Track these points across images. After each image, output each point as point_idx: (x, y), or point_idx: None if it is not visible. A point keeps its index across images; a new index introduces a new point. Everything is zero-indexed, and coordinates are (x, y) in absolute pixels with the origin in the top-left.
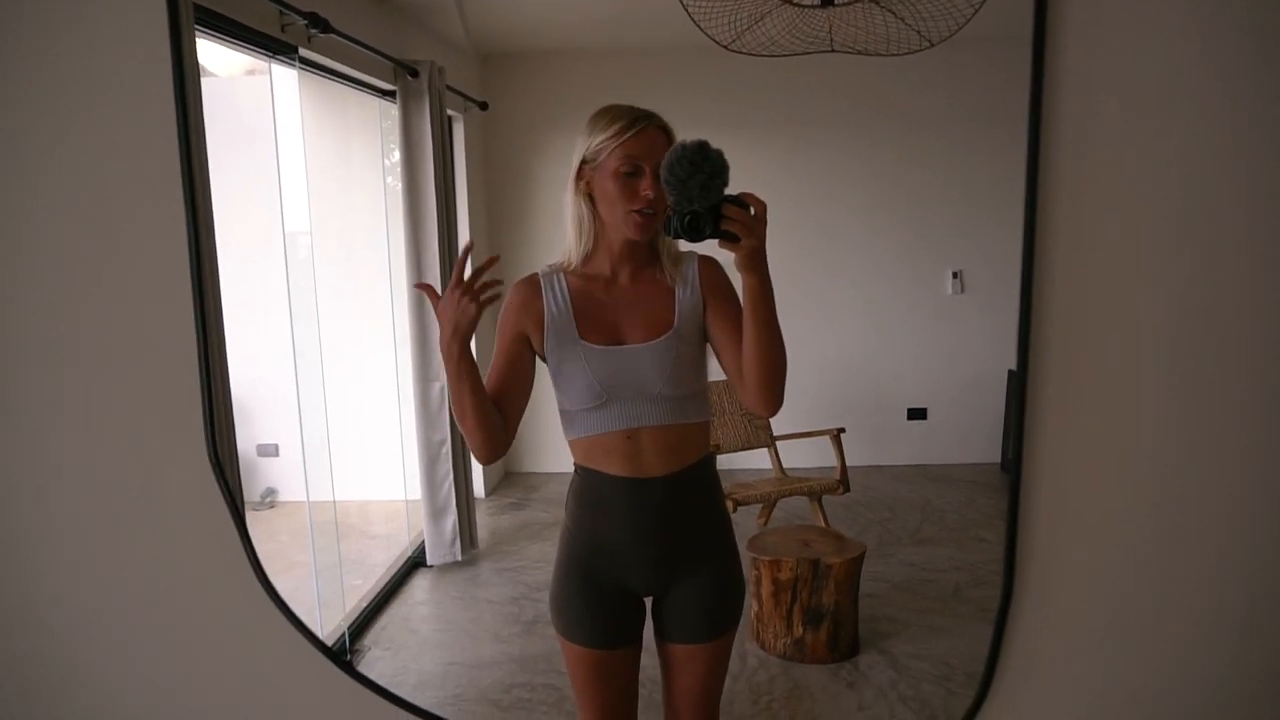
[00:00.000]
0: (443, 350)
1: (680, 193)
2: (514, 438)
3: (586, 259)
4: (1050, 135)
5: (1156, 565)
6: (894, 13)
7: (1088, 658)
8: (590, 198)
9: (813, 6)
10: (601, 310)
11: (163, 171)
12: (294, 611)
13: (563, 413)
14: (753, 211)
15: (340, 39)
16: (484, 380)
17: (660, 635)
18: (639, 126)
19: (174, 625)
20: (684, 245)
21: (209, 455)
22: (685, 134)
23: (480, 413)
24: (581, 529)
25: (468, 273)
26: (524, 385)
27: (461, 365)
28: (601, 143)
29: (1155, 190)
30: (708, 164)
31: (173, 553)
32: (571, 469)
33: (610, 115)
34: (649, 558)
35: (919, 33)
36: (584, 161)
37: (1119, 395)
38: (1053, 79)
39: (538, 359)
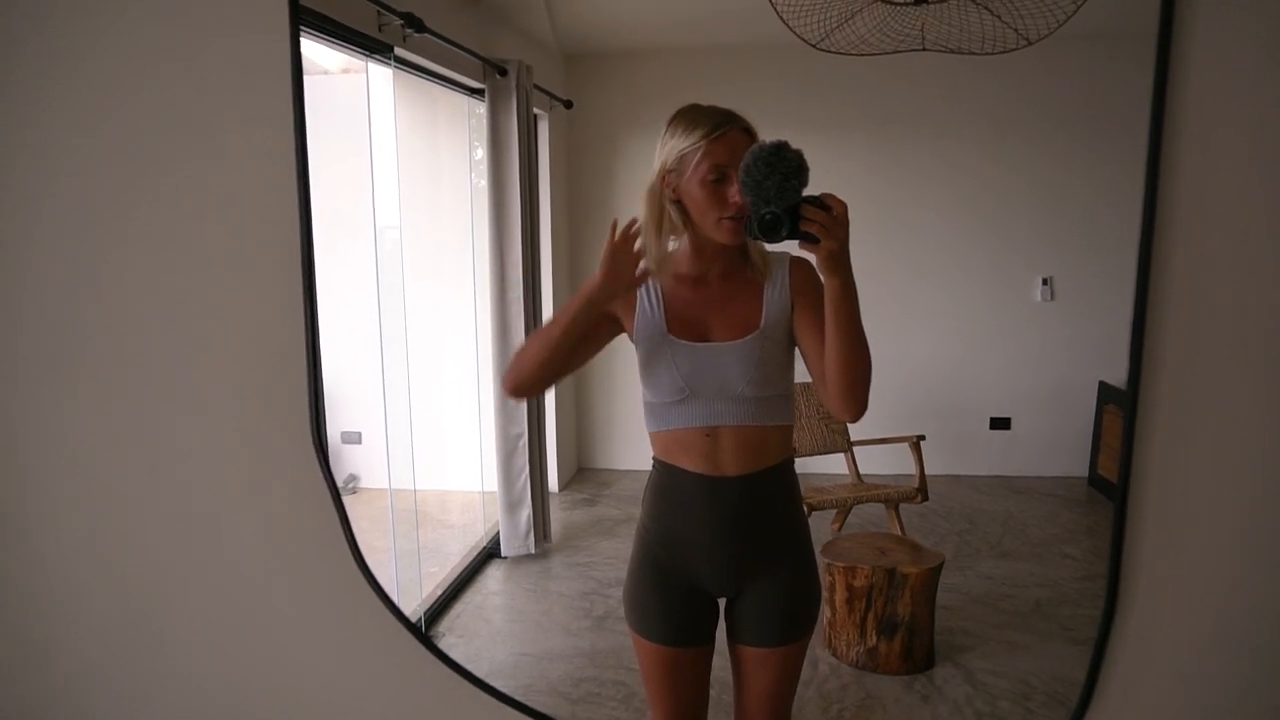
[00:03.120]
0: (586, 292)
1: (757, 194)
2: (541, 389)
3: (677, 259)
4: (1172, 139)
5: (1269, 589)
6: (990, 10)
7: (1191, 682)
8: (678, 203)
9: (905, 4)
10: (690, 307)
11: (279, 167)
12: (387, 593)
13: (646, 404)
14: (833, 212)
15: (434, 38)
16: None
17: (732, 637)
18: (721, 131)
19: (271, 601)
20: (768, 246)
21: (313, 440)
22: (769, 134)
23: (553, 349)
24: (657, 524)
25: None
26: (585, 354)
27: (579, 313)
28: (684, 150)
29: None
30: (783, 164)
31: (275, 533)
32: (644, 467)
33: (691, 120)
34: (722, 557)
35: (1016, 31)
36: (666, 169)
37: (1231, 415)
38: (1177, 79)
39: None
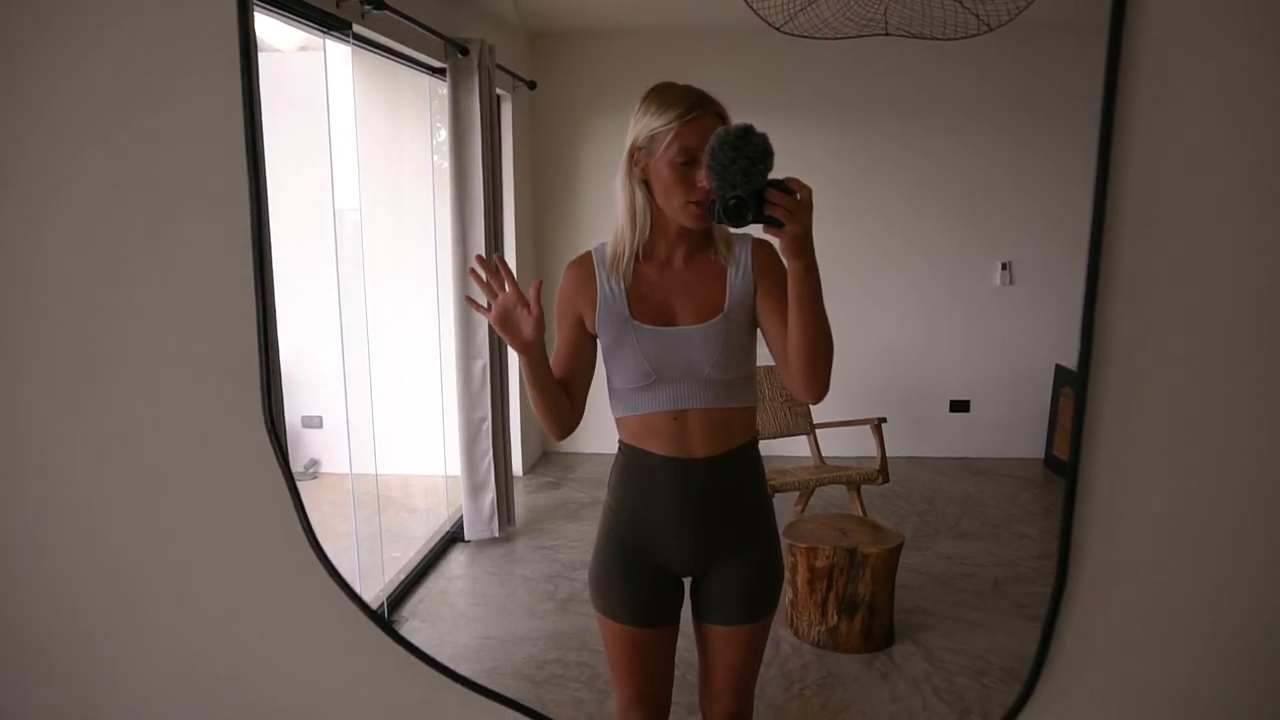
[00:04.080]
0: (517, 350)
1: (723, 178)
2: (582, 413)
3: (635, 251)
4: (1123, 125)
5: (1213, 565)
6: None
7: (1139, 657)
8: (645, 183)
9: None
10: (654, 291)
11: (227, 144)
12: (345, 579)
13: (611, 390)
14: (798, 197)
15: (394, 15)
16: (551, 363)
17: (698, 615)
18: (694, 114)
19: (226, 587)
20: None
21: (265, 423)
22: (735, 118)
23: (546, 402)
24: (623, 507)
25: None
26: (587, 365)
27: (532, 366)
28: (655, 129)
29: (1231, 186)
30: (750, 148)
31: (227, 517)
32: (608, 450)
33: (664, 99)
34: (690, 538)
35: (977, 16)
36: (636, 147)
37: (1181, 392)
38: (1129, 64)
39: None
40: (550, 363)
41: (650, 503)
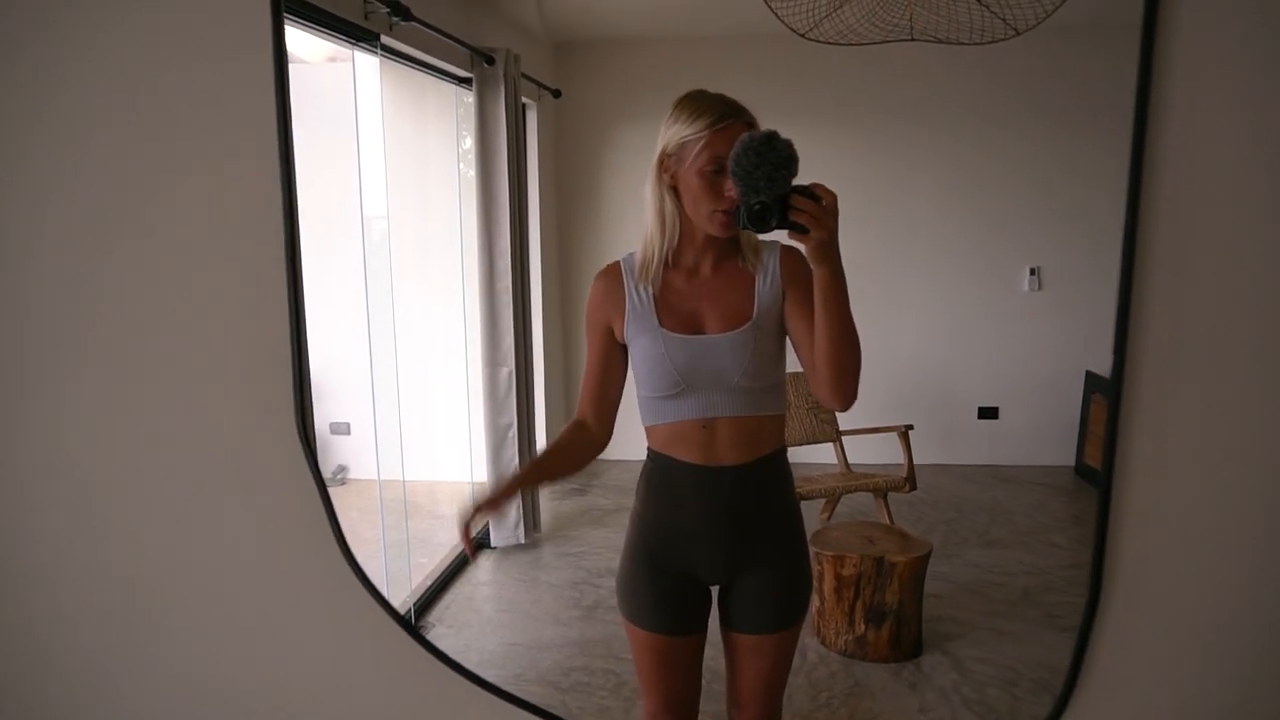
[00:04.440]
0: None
1: (747, 184)
2: (611, 429)
3: (665, 257)
4: (1156, 129)
5: (1248, 578)
6: (979, 0)
7: (1174, 670)
8: (674, 190)
9: None
10: (682, 299)
11: (261, 156)
12: (375, 585)
13: (640, 399)
14: (822, 202)
15: (421, 27)
16: (583, 375)
17: (726, 624)
18: (724, 124)
19: (257, 592)
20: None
21: (298, 430)
22: (761, 125)
23: (564, 471)
24: (652, 514)
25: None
26: (619, 374)
27: (530, 483)
28: (686, 137)
29: (1267, 190)
30: (774, 154)
31: (260, 523)
32: (634, 457)
33: (696, 107)
34: (718, 546)
35: (1004, 20)
36: (666, 153)
37: (1215, 402)
38: (1162, 67)
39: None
40: (584, 376)
41: (679, 511)
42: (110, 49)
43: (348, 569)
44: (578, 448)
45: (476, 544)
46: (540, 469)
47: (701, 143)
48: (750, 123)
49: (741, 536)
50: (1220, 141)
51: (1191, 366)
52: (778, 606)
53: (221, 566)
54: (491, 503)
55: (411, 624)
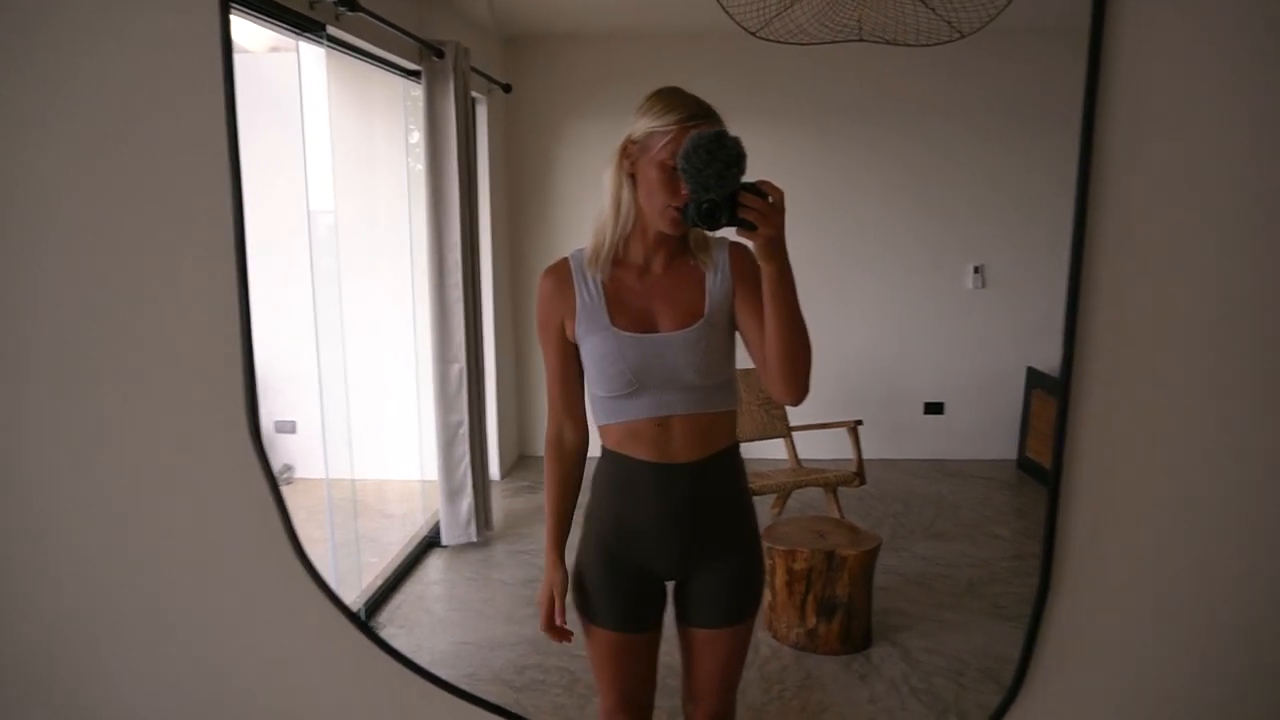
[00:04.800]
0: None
1: (697, 181)
2: (587, 424)
3: (621, 243)
4: (1103, 128)
5: (1194, 566)
6: (924, 2)
7: (1122, 657)
8: (632, 178)
9: None
10: (633, 297)
11: (208, 147)
12: (327, 583)
13: (592, 398)
14: (770, 199)
15: (368, 17)
16: (547, 381)
17: (682, 619)
18: (695, 122)
19: (209, 591)
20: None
21: (249, 428)
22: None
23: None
24: (607, 512)
25: None
26: (580, 373)
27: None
28: (653, 129)
29: (1210, 188)
30: (724, 152)
31: (210, 522)
32: (589, 454)
33: (668, 102)
34: (673, 542)
35: (950, 23)
36: (631, 140)
37: (1162, 395)
38: (1108, 68)
39: None
40: (548, 382)
41: (634, 508)
42: (49, 35)
43: (300, 568)
44: (574, 465)
45: (427, 543)
46: (563, 514)
47: (668, 137)
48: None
49: (697, 532)
50: (1166, 139)
51: (1138, 359)
52: (733, 600)
53: (174, 567)
54: (554, 585)
55: (365, 623)
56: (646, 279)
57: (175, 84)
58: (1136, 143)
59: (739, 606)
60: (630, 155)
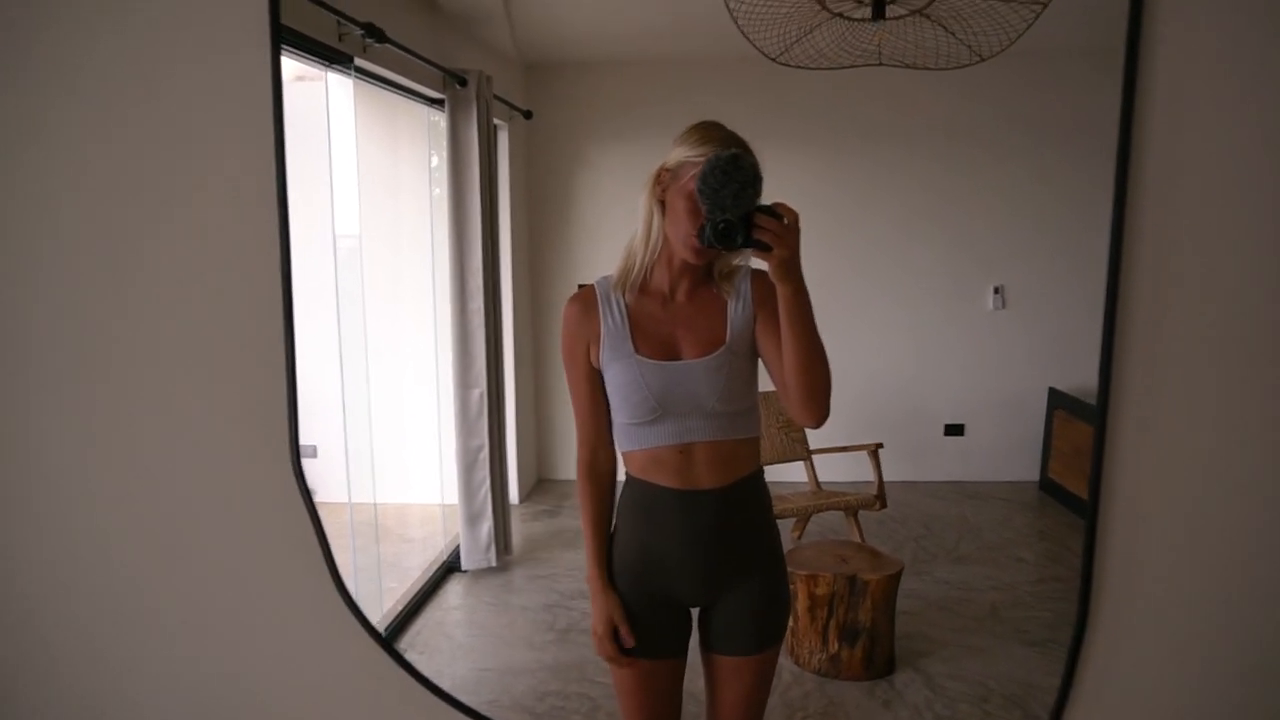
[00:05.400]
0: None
1: (713, 201)
2: (614, 448)
3: (648, 270)
4: (1139, 151)
5: (1233, 601)
6: (945, 27)
7: (1161, 690)
8: (662, 205)
9: (863, 20)
10: (657, 324)
11: (257, 183)
12: (361, 610)
13: (617, 424)
14: (785, 221)
15: (394, 48)
16: (575, 408)
17: (707, 646)
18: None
19: (245, 616)
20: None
21: (291, 458)
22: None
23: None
24: (632, 539)
25: None
26: (605, 405)
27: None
28: (686, 158)
29: (1248, 214)
30: (740, 174)
31: (250, 550)
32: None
33: (704, 134)
34: (699, 569)
35: (970, 48)
36: (665, 168)
37: (1201, 427)
38: (1144, 93)
39: None
40: (576, 409)
41: (659, 535)
42: (98, 64)
43: (338, 597)
44: (609, 488)
45: (447, 567)
46: (604, 537)
47: (698, 168)
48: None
49: (723, 559)
50: (1202, 162)
51: (1176, 390)
52: (759, 627)
53: (211, 592)
54: (612, 610)
55: (399, 652)
56: (670, 307)
57: (229, 124)
58: (1173, 164)
59: (765, 633)
60: (663, 183)
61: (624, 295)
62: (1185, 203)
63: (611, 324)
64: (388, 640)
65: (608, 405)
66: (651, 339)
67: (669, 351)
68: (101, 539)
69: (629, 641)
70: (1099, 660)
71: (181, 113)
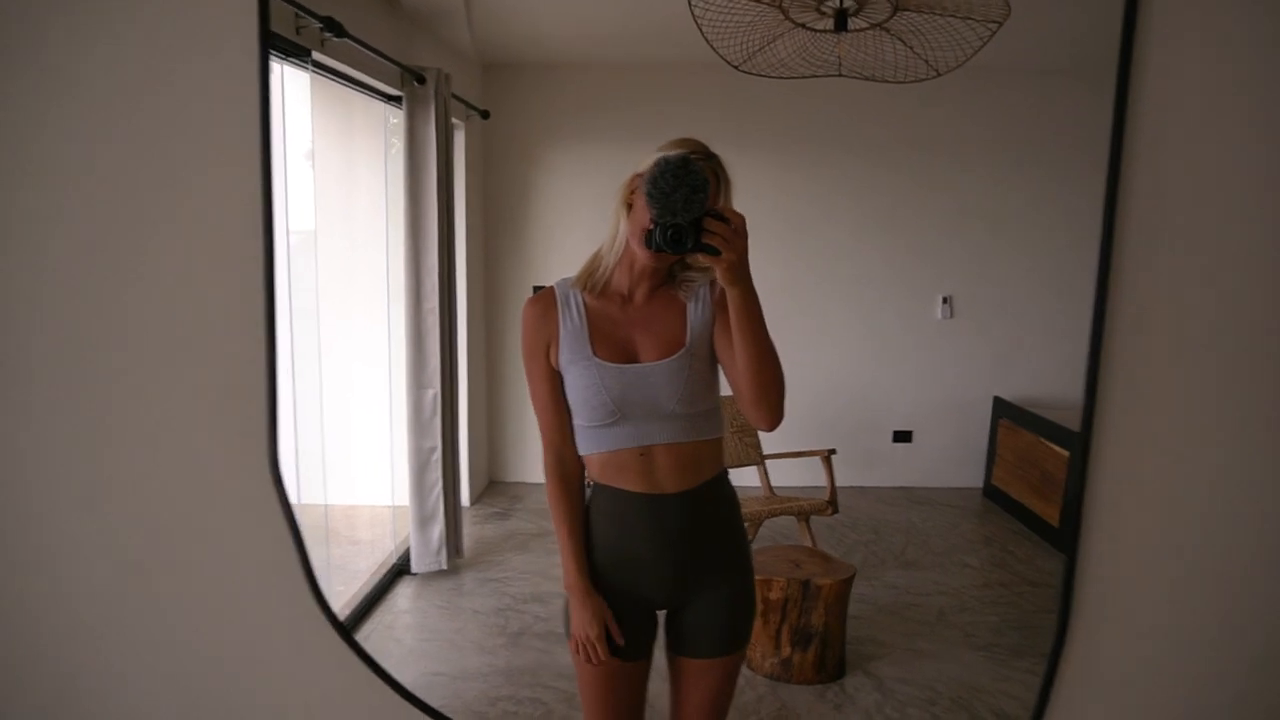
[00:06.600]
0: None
1: (664, 206)
2: (576, 448)
3: (608, 272)
4: (1128, 172)
5: (1214, 612)
6: (904, 41)
7: (1138, 705)
8: (628, 209)
9: (825, 31)
10: (615, 327)
11: (241, 179)
12: (334, 612)
13: (577, 427)
14: (732, 225)
15: (352, 43)
16: (536, 409)
17: (673, 649)
18: (700, 160)
19: (221, 619)
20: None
21: (269, 461)
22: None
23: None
24: (600, 541)
25: None
26: (565, 407)
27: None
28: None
29: (1234, 234)
30: (690, 178)
31: (226, 554)
32: None
33: (678, 142)
34: (667, 572)
35: (927, 62)
36: (637, 174)
37: (1182, 448)
38: (1134, 113)
39: None
40: (538, 408)
41: (626, 539)
42: (77, 54)
43: (312, 601)
44: (579, 489)
45: (397, 570)
46: (581, 538)
47: None
48: (716, 171)
49: (690, 562)
50: (1190, 182)
51: (1160, 410)
52: (726, 631)
53: (185, 595)
54: (600, 611)
55: (371, 658)
56: (628, 309)
57: (216, 128)
58: (1161, 182)
59: (731, 637)
60: (632, 187)
61: (584, 296)
62: (1172, 224)
63: (570, 326)
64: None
65: (569, 406)
66: (609, 341)
67: (627, 354)
68: (76, 537)
69: (621, 641)
70: (1076, 671)
71: (164, 111)
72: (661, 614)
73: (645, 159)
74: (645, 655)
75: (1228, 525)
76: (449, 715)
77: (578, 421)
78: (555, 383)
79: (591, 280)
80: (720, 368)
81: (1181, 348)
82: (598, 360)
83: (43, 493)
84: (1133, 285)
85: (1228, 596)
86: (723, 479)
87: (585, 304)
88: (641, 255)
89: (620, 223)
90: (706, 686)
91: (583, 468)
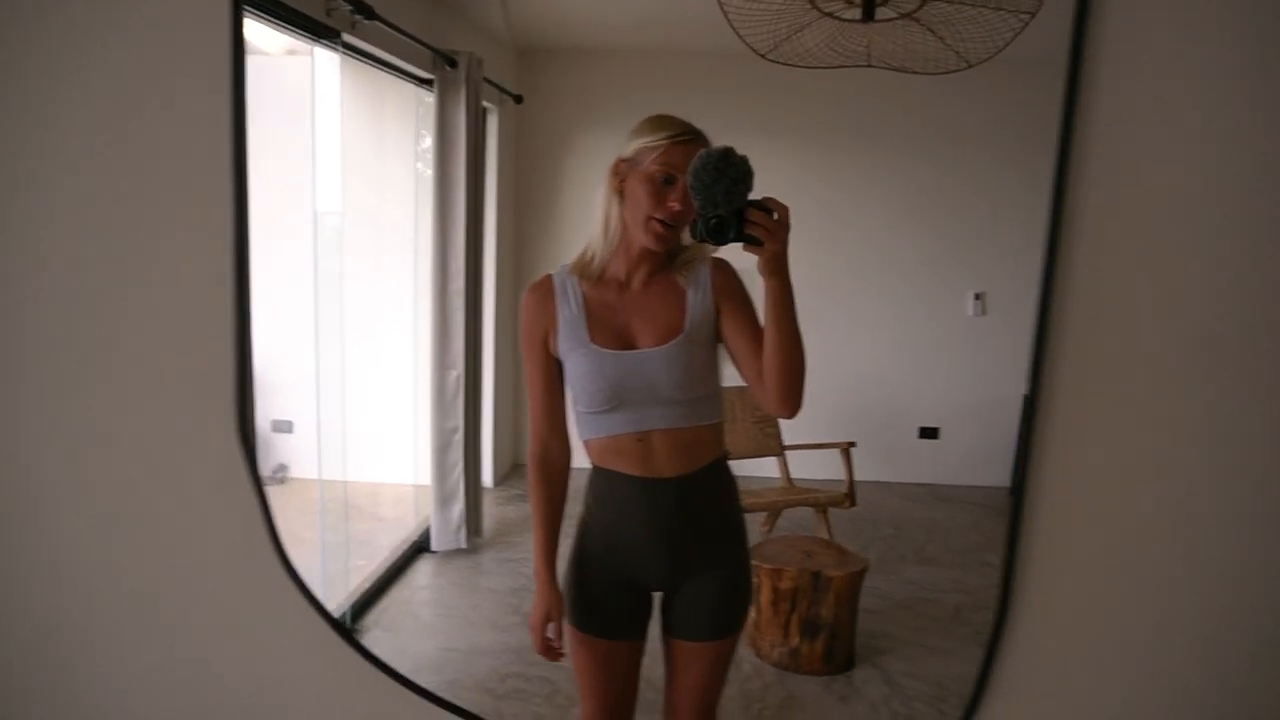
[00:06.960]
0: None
1: (705, 197)
2: (568, 436)
3: (606, 260)
4: (1079, 158)
5: (1155, 596)
6: (934, 32)
7: (1078, 685)
8: (620, 196)
9: (853, 21)
10: (613, 314)
11: (212, 148)
12: (309, 588)
13: (576, 413)
14: (775, 216)
15: (383, 26)
16: (530, 396)
17: (667, 631)
18: (684, 139)
19: (191, 590)
20: (712, 249)
21: (237, 428)
22: (720, 138)
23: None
24: (598, 523)
25: None
26: (563, 386)
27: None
28: (644, 145)
29: (1182, 221)
30: (731, 169)
31: (195, 521)
32: (580, 464)
33: (660, 122)
34: (662, 555)
35: (957, 53)
36: (623, 159)
37: (1128, 425)
38: (1086, 101)
39: None
40: (530, 396)
41: (623, 521)
42: (59, 34)
43: (283, 571)
44: (561, 481)
45: (417, 548)
46: (554, 529)
47: (659, 151)
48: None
49: (686, 546)
50: (1140, 170)
51: (1106, 389)
52: (719, 614)
53: (155, 564)
54: (551, 608)
55: (346, 628)
56: (626, 295)
57: (185, 81)
58: (1114, 171)
59: (724, 621)
60: (620, 173)
61: (580, 284)
62: (1122, 208)
63: (568, 313)
64: (349, 617)
65: (563, 396)
66: (607, 328)
67: (624, 340)
68: (38, 518)
69: (558, 644)
70: (1017, 655)
71: (136, 80)
72: (657, 596)
73: (628, 144)
74: (639, 636)
75: (1171, 515)
76: (407, 676)
77: (577, 407)
78: (550, 372)
79: (586, 270)
80: (731, 358)
81: (1129, 337)
82: (595, 347)
83: (13, 453)
84: (1084, 279)
85: (1169, 584)
86: (721, 464)
87: (583, 291)
88: (642, 237)
89: (612, 208)
90: (699, 669)
91: (568, 460)
